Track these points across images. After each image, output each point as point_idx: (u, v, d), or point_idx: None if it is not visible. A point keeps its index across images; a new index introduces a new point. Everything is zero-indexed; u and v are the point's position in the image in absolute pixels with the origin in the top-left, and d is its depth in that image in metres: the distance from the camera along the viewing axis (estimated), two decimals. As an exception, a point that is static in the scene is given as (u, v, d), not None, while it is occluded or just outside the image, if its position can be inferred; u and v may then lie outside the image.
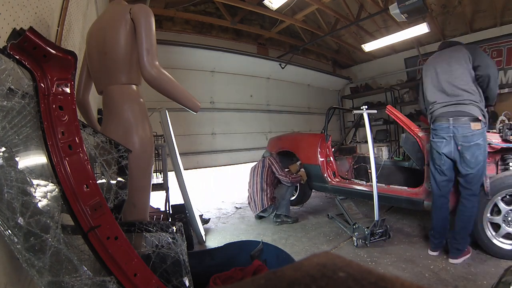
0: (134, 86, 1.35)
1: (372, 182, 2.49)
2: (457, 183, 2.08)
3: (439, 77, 2.08)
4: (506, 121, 2.22)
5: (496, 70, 2.02)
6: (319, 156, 3.36)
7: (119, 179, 1.11)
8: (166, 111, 2.62)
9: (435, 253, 2.17)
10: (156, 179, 2.64)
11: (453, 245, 2.03)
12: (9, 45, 0.71)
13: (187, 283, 1.08)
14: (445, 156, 2.03)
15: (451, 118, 1.98)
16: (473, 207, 1.97)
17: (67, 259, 0.79)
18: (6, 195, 0.69)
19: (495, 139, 2.11)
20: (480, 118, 1.92)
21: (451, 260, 2.04)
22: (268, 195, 3.16)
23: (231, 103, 5.19)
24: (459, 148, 1.95)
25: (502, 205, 2.04)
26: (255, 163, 3.46)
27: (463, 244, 2.02)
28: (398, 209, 3.26)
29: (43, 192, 0.78)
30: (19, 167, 0.73)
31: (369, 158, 2.62)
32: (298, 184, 3.75)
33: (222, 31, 5.28)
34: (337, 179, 3.31)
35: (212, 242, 2.69)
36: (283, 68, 5.65)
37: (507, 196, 2.03)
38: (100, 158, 1.05)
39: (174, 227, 1.11)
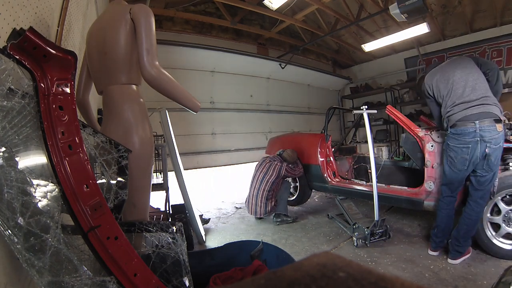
0: (134, 86, 1.35)
1: (372, 182, 2.49)
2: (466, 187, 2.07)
3: (455, 82, 2.02)
4: (506, 121, 2.21)
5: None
6: (319, 156, 3.36)
7: (119, 179, 1.11)
8: (166, 111, 2.62)
9: (435, 253, 2.17)
10: (156, 179, 2.64)
11: (454, 247, 2.02)
12: (9, 45, 0.71)
13: (187, 283, 1.08)
14: (467, 161, 1.95)
15: (477, 121, 1.89)
16: (480, 212, 1.96)
17: (67, 259, 0.79)
18: (6, 195, 0.69)
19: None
20: (502, 118, 1.90)
21: (450, 261, 2.04)
22: (268, 207, 3.11)
23: (231, 103, 5.19)
24: (486, 150, 1.88)
25: (502, 205, 2.04)
26: (264, 160, 3.29)
27: (464, 247, 2.01)
28: (398, 209, 3.26)
29: (43, 192, 0.78)
30: (19, 167, 0.73)
31: (369, 158, 2.62)
32: (298, 184, 3.76)
33: (222, 31, 5.28)
34: (337, 179, 3.31)
35: (212, 242, 2.68)
36: (283, 68, 5.65)
37: (507, 196, 2.03)
38: (100, 158, 1.05)
39: (174, 227, 1.11)
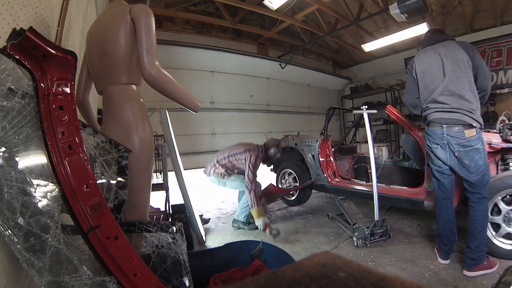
0: (134, 86, 1.35)
1: (372, 182, 2.49)
2: (462, 188, 1.98)
3: (435, 78, 1.95)
4: (506, 121, 2.21)
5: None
6: (319, 156, 3.36)
7: (119, 179, 1.11)
8: (166, 111, 2.62)
9: (446, 262, 2.04)
10: (156, 179, 2.64)
11: (466, 254, 1.87)
12: (9, 45, 0.71)
13: (187, 283, 1.08)
14: (442, 161, 1.95)
15: (445, 125, 1.87)
16: (484, 210, 1.87)
17: (67, 259, 0.79)
18: (6, 195, 0.69)
19: (495, 139, 2.11)
20: (474, 124, 1.82)
21: (465, 272, 1.86)
22: (219, 172, 2.94)
23: (231, 103, 5.19)
24: (456, 154, 1.86)
25: (502, 205, 2.03)
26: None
27: (478, 254, 1.84)
28: (398, 209, 3.26)
29: (43, 192, 0.78)
30: (19, 167, 0.73)
31: (369, 158, 2.61)
32: (298, 183, 3.75)
33: (222, 31, 5.28)
34: (337, 179, 3.31)
35: (212, 242, 2.68)
36: (283, 68, 5.65)
37: (507, 196, 2.03)
38: (100, 158, 1.05)
39: (174, 227, 1.11)
